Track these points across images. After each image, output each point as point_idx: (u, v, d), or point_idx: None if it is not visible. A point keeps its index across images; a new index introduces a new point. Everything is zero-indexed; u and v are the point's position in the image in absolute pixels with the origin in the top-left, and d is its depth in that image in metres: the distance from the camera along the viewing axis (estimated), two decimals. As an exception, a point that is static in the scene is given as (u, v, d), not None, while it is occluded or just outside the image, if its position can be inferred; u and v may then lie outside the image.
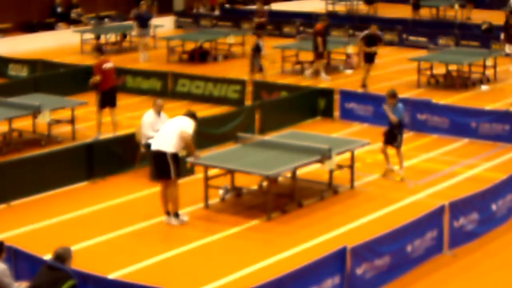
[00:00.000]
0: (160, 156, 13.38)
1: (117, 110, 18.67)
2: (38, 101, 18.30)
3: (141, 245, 12.86)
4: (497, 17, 34.04)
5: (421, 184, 15.58)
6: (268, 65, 24.10)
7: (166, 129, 13.60)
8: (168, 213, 13.68)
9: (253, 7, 37.65)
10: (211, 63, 27.54)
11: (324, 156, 14.41)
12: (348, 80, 24.37)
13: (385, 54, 23.84)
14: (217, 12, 38.31)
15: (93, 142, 16.56)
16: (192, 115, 13.77)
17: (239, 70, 25.85)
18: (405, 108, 16.24)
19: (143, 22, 27.83)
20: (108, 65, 18.44)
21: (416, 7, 36.88)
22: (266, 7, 31.70)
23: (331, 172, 15.12)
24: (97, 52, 18.77)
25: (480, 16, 35.38)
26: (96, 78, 18.20)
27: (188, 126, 13.46)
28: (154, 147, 13.54)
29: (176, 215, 13.59)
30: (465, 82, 23.65)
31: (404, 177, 15.71)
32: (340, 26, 31.40)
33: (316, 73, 24.51)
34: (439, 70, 24.45)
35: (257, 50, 22.93)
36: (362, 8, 39.84)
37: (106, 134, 18.17)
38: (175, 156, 13.38)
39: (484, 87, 23.51)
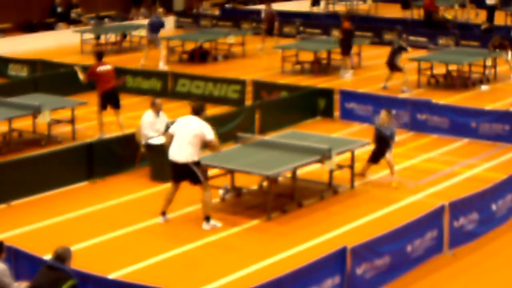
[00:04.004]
0: (182, 167, 13.26)
1: (108, 109, 18.71)
2: (38, 101, 18.30)
3: (141, 245, 12.86)
4: (497, 17, 34.08)
5: (421, 184, 15.58)
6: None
7: (181, 137, 13.23)
8: (163, 214, 13.62)
9: (255, 7, 37.68)
10: (211, 63, 27.54)
11: (324, 156, 14.41)
12: (348, 80, 24.39)
13: (385, 54, 23.83)
14: (216, 12, 38.29)
15: (93, 142, 16.55)
16: (198, 110, 13.39)
17: (239, 70, 25.87)
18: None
19: (153, 28, 26.71)
20: (103, 68, 18.48)
21: (406, 6, 36.91)
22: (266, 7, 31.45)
23: (331, 172, 15.13)
24: (96, 56, 18.88)
25: (480, 16, 35.39)
26: (84, 79, 18.57)
27: (207, 132, 13.17)
28: (173, 158, 13.30)
29: (208, 219, 13.40)
30: (465, 82, 23.65)
31: (399, 182, 15.64)
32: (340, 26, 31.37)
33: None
34: (439, 70, 24.45)
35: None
36: (362, 8, 39.86)
37: (108, 134, 18.22)
38: (196, 163, 13.28)
39: (484, 87, 23.51)
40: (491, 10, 34.07)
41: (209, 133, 13.21)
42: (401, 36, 24.25)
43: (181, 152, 13.19)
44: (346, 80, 24.26)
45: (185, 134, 13.21)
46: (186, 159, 13.15)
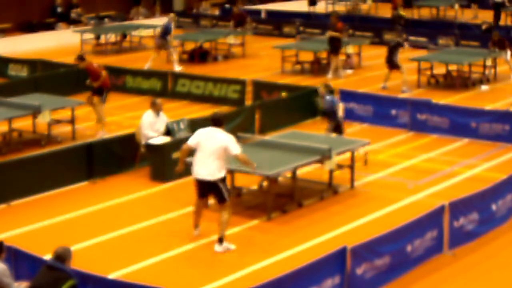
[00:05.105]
0: (209, 184, 12.50)
1: (108, 109, 19.39)
2: (38, 101, 18.31)
3: (141, 245, 12.86)
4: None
5: (421, 184, 15.58)
6: None
7: (206, 152, 12.40)
8: (196, 226, 13.00)
9: (255, 7, 37.76)
10: (211, 63, 27.53)
11: (324, 156, 14.41)
12: (348, 80, 24.40)
13: (385, 54, 23.84)
14: (216, 12, 38.30)
15: (93, 142, 16.56)
16: (220, 121, 12.61)
17: (239, 70, 25.87)
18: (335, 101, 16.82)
19: (163, 33, 26.45)
20: (95, 65, 19.19)
21: (408, 5, 37.03)
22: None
23: (331, 172, 15.13)
24: (80, 60, 19.20)
25: (480, 16, 35.40)
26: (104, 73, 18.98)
27: (233, 145, 12.40)
28: (200, 176, 12.49)
29: (221, 240, 12.58)
30: (465, 82, 23.65)
31: (366, 154, 16.40)
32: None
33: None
34: (439, 70, 24.45)
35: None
36: (363, 8, 39.86)
37: (108, 134, 18.28)
38: (223, 179, 12.57)
39: (484, 87, 23.51)
40: (497, 8, 34.20)
41: (235, 148, 12.43)
42: (399, 33, 24.20)
43: (208, 168, 12.41)
44: (329, 79, 24.18)
45: (210, 149, 12.39)
46: (214, 176, 12.40)
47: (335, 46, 24.65)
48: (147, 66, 25.80)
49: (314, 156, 14.44)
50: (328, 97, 16.64)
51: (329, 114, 16.74)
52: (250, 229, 13.50)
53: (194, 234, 13.06)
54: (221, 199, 12.55)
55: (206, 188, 12.65)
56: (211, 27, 33.82)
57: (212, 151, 12.40)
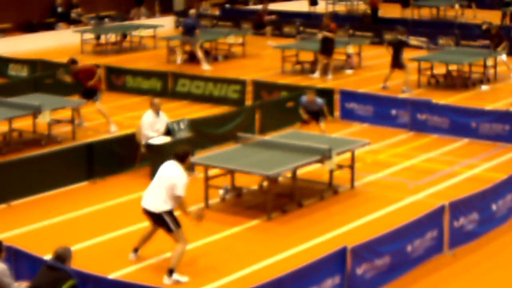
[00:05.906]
0: (153, 214, 11.74)
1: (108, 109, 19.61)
2: (38, 101, 18.31)
3: (141, 245, 12.85)
4: (497, 17, 34.10)
5: (421, 184, 15.58)
6: None
7: (156, 182, 11.78)
8: (136, 250, 12.23)
9: (255, 7, 37.77)
10: (211, 63, 27.51)
11: (324, 156, 14.42)
12: (348, 80, 24.40)
13: (385, 54, 23.84)
14: (216, 12, 38.30)
15: (93, 142, 16.56)
16: (182, 157, 11.77)
17: (239, 70, 25.86)
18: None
19: (187, 30, 26.72)
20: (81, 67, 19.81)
21: (405, 5, 36.99)
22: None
23: (331, 172, 15.13)
24: (72, 63, 19.75)
25: (480, 16, 35.41)
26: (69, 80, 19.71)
27: (179, 187, 11.52)
28: (145, 205, 11.81)
29: (171, 272, 11.59)
30: (465, 82, 23.65)
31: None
32: (340, 26, 31.35)
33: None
34: (439, 70, 24.45)
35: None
36: (363, 8, 39.85)
37: (108, 134, 18.28)
38: (170, 212, 11.65)
39: (484, 87, 23.50)
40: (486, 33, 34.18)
41: (180, 188, 11.51)
42: (400, 32, 24.12)
43: (153, 199, 11.71)
44: (329, 81, 24.21)
45: (162, 181, 11.69)
46: (156, 208, 11.63)
47: (328, 47, 24.59)
48: (178, 62, 26.65)
49: (314, 156, 14.45)
50: (318, 100, 17.81)
51: (317, 113, 17.78)
52: (250, 229, 13.50)
53: (129, 257, 12.22)
54: (168, 230, 11.68)
55: (151, 219, 11.90)
56: (211, 27, 33.82)
57: (163, 182, 11.63)
